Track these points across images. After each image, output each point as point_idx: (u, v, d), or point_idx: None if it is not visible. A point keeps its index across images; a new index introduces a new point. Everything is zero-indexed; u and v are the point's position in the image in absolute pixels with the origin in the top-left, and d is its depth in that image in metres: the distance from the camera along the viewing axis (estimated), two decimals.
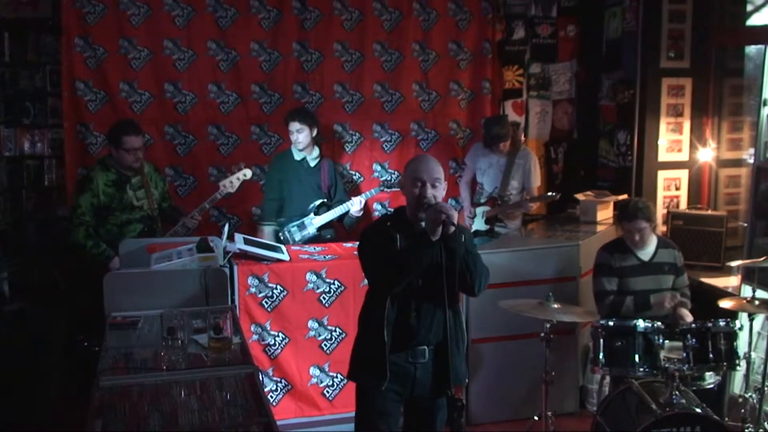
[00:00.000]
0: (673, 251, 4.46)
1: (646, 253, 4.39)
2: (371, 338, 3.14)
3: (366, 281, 3.29)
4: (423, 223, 3.05)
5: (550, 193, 5.60)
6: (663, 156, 5.84)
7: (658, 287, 4.35)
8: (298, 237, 5.23)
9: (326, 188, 5.36)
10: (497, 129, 5.47)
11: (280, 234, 5.26)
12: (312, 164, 5.32)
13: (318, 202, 5.29)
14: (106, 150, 4.90)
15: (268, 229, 5.34)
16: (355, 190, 5.82)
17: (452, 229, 2.93)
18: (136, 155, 4.63)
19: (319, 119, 5.50)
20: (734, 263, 4.84)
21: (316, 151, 5.33)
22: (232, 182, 4.90)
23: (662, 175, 5.85)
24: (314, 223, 5.26)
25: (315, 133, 5.26)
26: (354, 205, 5.22)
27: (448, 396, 2.81)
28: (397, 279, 3.03)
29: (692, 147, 5.83)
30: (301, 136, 5.18)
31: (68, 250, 4.74)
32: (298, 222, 5.25)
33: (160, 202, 4.88)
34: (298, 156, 5.29)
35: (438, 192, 3.08)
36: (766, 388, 4.06)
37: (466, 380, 3.28)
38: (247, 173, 4.96)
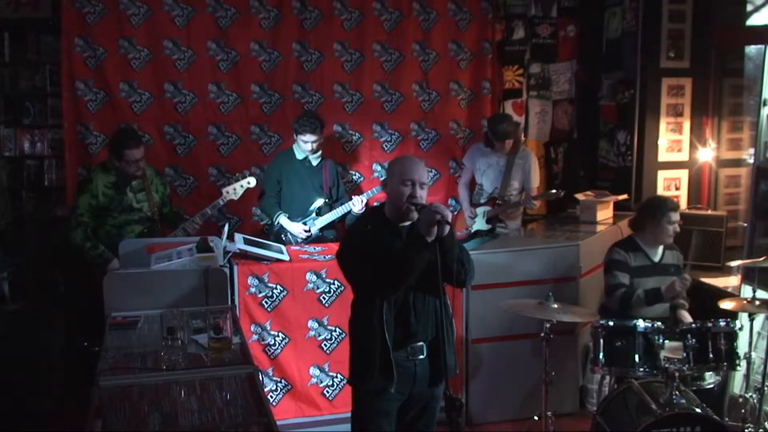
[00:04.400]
0: (676, 253, 4.48)
1: (656, 254, 4.40)
2: (372, 342, 3.09)
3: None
4: (408, 223, 3.08)
5: (554, 191, 5.59)
6: (663, 156, 5.84)
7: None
8: (300, 237, 5.23)
9: (327, 188, 5.34)
10: (504, 126, 5.45)
11: (282, 235, 5.24)
12: (314, 163, 5.30)
13: (319, 202, 5.28)
14: (106, 150, 4.89)
15: (289, 222, 5.22)
16: (355, 189, 5.82)
17: (448, 229, 2.94)
18: (138, 165, 4.63)
19: None
20: (734, 263, 4.84)
21: (318, 151, 5.32)
22: (236, 189, 4.89)
23: (662, 175, 5.86)
24: (317, 223, 5.26)
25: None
26: (355, 205, 5.19)
27: (447, 395, 2.80)
28: (398, 283, 3.02)
29: (692, 147, 5.84)
30: (314, 146, 5.18)
31: (68, 250, 4.74)
32: (300, 222, 5.25)
33: (161, 206, 4.87)
34: (300, 155, 5.26)
35: (424, 194, 3.10)
36: (766, 388, 4.06)
37: (456, 371, 3.28)
38: (251, 181, 4.95)
